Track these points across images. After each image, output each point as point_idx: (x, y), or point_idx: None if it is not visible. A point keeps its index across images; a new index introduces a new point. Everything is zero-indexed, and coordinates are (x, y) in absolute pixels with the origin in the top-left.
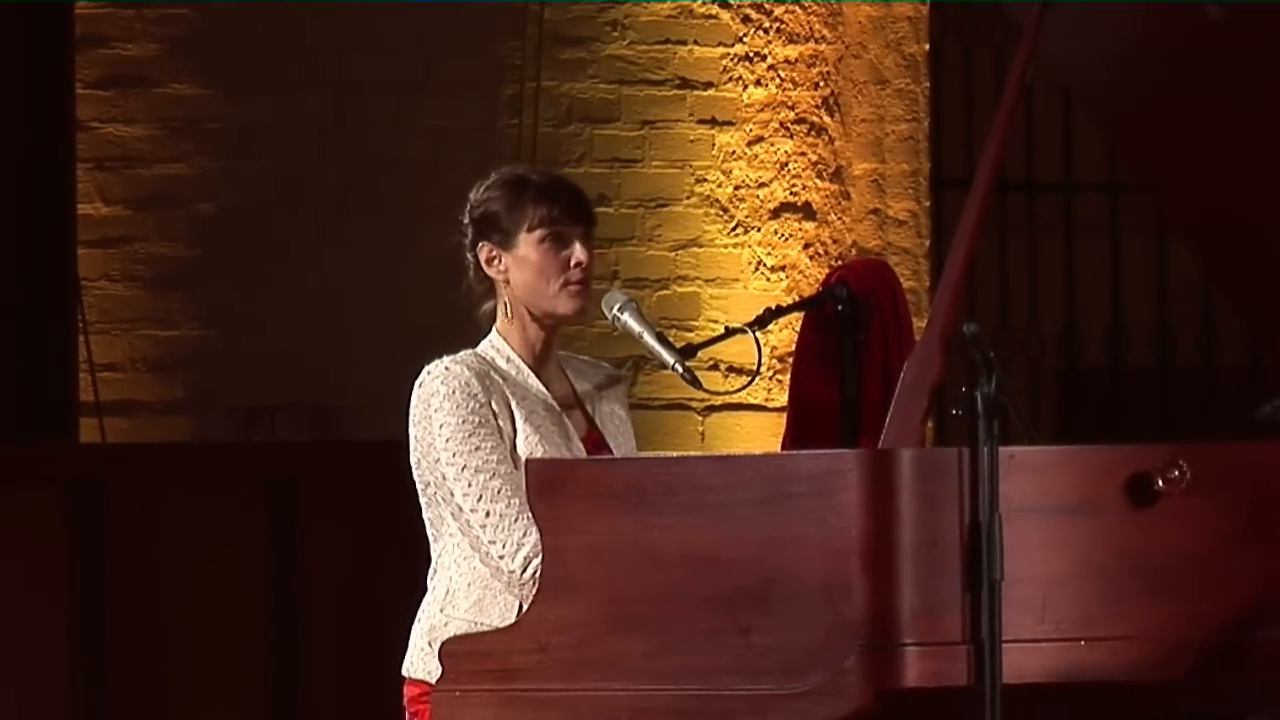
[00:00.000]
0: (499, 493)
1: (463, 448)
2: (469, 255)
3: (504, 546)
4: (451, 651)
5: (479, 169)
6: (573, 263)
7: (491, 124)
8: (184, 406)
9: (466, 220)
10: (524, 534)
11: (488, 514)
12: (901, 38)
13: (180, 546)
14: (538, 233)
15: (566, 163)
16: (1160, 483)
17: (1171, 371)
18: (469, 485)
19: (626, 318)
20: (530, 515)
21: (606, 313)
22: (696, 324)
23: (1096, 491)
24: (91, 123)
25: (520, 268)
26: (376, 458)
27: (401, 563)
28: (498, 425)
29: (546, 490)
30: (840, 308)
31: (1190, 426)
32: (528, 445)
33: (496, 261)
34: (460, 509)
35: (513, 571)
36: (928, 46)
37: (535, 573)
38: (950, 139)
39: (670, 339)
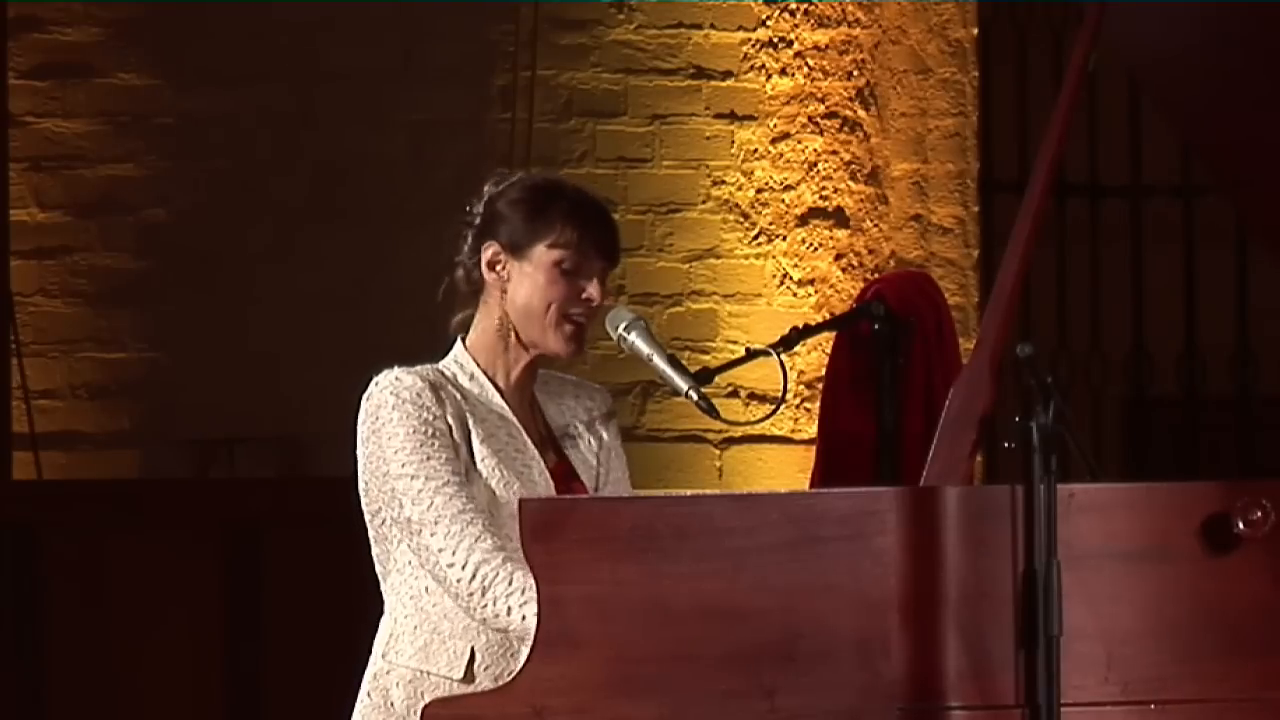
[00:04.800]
0: (451, 500)
1: (413, 458)
2: (467, 250)
3: (453, 554)
4: (435, 715)
5: (465, 169)
6: (583, 296)
7: (480, 118)
8: (131, 439)
9: (478, 210)
10: (476, 540)
11: (437, 521)
12: (946, 21)
13: (127, 598)
14: (557, 253)
15: (566, 162)
16: (1241, 525)
17: (1253, 400)
18: (419, 494)
19: (634, 338)
20: (487, 528)
21: (611, 332)
22: (713, 345)
23: (1168, 535)
24: (26, 117)
25: (523, 282)
26: (348, 497)
27: (376, 614)
28: (453, 440)
29: (543, 533)
30: (877, 327)
31: (1274, 462)
32: (485, 467)
33: (500, 266)
34: (410, 521)
35: (460, 580)
36: (976, 31)
37: (485, 582)
38: (1001, 136)
39: (684, 362)
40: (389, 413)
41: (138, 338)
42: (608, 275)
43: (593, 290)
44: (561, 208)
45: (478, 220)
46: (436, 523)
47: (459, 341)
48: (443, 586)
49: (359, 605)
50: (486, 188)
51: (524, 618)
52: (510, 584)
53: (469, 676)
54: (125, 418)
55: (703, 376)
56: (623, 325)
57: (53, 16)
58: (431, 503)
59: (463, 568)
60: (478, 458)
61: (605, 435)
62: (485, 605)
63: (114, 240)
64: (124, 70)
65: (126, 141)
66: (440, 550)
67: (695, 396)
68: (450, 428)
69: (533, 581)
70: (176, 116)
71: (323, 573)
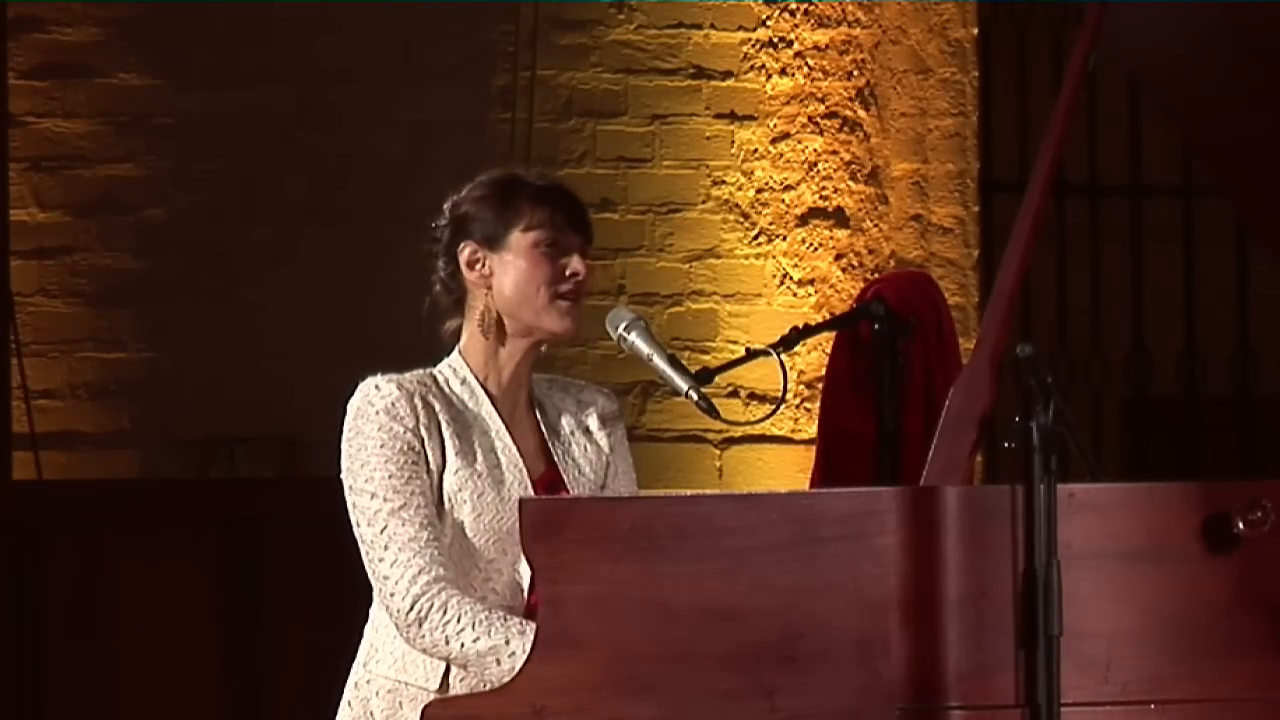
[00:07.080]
0: (405, 524)
1: (376, 474)
2: (441, 261)
3: (396, 583)
4: (435, 715)
5: (466, 169)
6: (568, 273)
7: (480, 118)
8: (131, 439)
9: (445, 221)
10: (420, 571)
11: (386, 546)
12: (946, 21)
13: (127, 598)
14: (533, 235)
15: (566, 162)
16: (1240, 525)
17: (1254, 400)
18: (375, 514)
19: (634, 338)
20: (435, 559)
21: (611, 332)
22: (713, 345)
23: (1168, 535)
24: (26, 117)
25: (507, 272)
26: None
27: None
28: (425, 454)
29: (542, 533)
30: (877, 327)
31: (1274, 462)
32: (458, 478)
33: (480, 264)
34: (363, 539)
35: (399, 610)
36: (976, 31)
37: (421, 614)
38: (1001, 136)
39: (684, 362)
40: (362, 423)
41: (138, 338)
42: (587, 251)
43: (576, 265)
44: (526, 192)
45: (446, 232)
46: (386, 548)
47: (455, 349)
48: (386, 613)
49: (358, 605)
50: (445, 205)
51: (462, 645)
52: (445, 613)
53: (444, 687)
54: (125, 418)
55: (703, 376)
56: (623, 325)
57: (53, 16)
58: (385, 525)
59: (403, 598)
60: (450, 469)
61: (606, 445)
62: (423, 636)
63: (114, 240)
64: (124, 70)
65: (126, 141)
66: (386, 578)
67: (695, 396)
68: (422, 439)
69: (470, 607)
70: (176, 116)
71: (322, 572)
